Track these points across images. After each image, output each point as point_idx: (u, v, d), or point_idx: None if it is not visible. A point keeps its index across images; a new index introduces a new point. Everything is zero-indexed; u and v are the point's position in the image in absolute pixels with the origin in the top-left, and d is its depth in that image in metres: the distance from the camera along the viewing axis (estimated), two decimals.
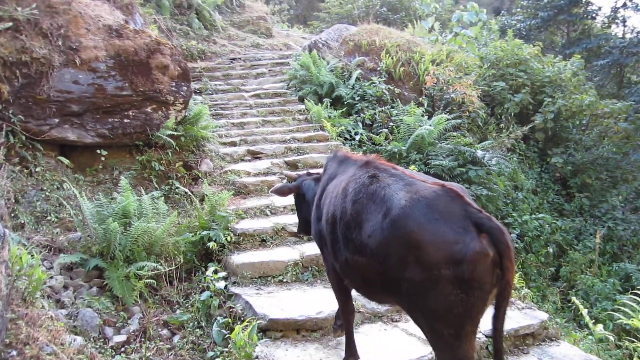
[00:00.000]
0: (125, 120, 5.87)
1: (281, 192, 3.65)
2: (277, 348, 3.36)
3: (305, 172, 3.99)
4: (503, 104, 10.55)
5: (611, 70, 18.98)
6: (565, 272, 7.51)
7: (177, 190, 5.74)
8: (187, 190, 5.57)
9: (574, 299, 4.28)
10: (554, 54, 14.65)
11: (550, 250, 7.77)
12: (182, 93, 6.40)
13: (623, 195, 10.53)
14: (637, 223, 9.70)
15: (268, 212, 5.29)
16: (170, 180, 5.90)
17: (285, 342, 3.46)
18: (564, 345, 3.63)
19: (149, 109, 6.06)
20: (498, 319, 2.12)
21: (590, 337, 4.05)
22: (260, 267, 4.25)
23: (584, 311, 3.81)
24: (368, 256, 2.34)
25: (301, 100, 9.03)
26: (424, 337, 3.42)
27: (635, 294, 3.69)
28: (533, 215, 8.16)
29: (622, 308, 3.71)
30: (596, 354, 3.73)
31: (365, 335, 3.55)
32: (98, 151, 5.64)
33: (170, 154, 6.08)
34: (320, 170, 3.43)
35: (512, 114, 10.41)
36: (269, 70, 10.75)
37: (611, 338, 3.81)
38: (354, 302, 3.22)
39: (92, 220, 4.20)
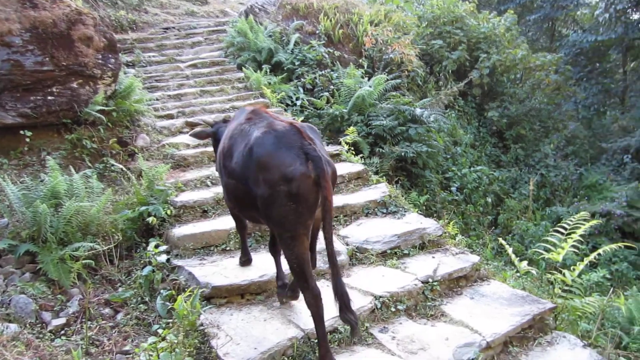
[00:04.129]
0: (50, 98, 5.54)
1: (199, 136, 3.97)
2: (221, 314, 3.40)
3: (222, 119, 4.09)
4: (441, 62, 10.76)
5: (543, 25, 19.66)
6: (503, 219, 7.95)
7: (112, 167, 5.53)
8: (122, 167, 5.39)
9: (500, 240, 4.55)
10: (489, 10, 14.96)
11: (489, 200, 8.18)
12: (110, 66, 6.08)
13: (555, 143, 11.14)
14: (567, 169, 10.35)
15: (209, 183, 5.22)
16: (104, 158, 5.67)
17: (230, 307, 3.50)
18: (494, 283, 3.88)
19: (74, 84, 5.73)
20: (325, 228, 2.68)
21: (518, 274, 4.36)
22: (203, 237, 4.23)
23: (509, 250, 4.07)
24: (236, 179, 2.95)
25: (240, 68, 8.82)
26: (364, 289, 3.61)
27: (557, 231, 3.97)
28: (472, 168, 8.52)
29: (547, 245, 3.99)
30: (522, 287, 4.02)
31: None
32: (22, 132, 5.31)
33: (102, 130, 5.82)
34: None
35: (450, 71, 10.65)
36: (206, 39, 10.38)
37: (534, 272, 4.10)
38: None
39: (19, 205, 4.01)
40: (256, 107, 3.35)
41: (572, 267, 3.65)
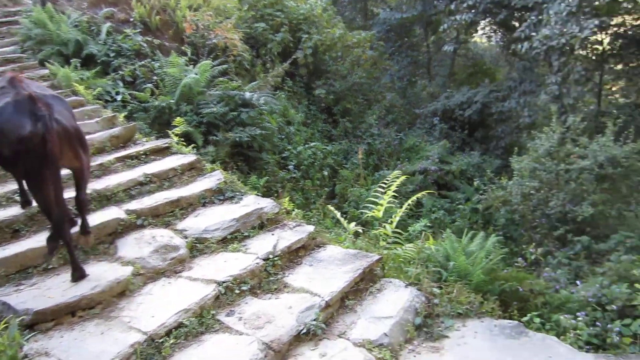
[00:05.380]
0: None
1: None
2: (50, 339, 3.07)
3: None
4: (266, 45, 10.98)
5: (357, 4, 21.27)
6: (339, 189, 8.57)
7: None
8: None
9: (329, 206, 4.92)
10: None
11: (325, 173, 8.72)
12: None
13: (376, 114, 12.29)
14: (390, 135, 11.55)
15: (17, 198, 4.59)
16: None
17: (60, 329, 3.18)
18: (330, 247, 4.20)
19: None
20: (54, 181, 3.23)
21: (353, 236, 4.78)
22: (17, 260, 3.72)
23: (338, 214, 4.44)
24: None
25: (42, 63, 7.81)
26: (207, 278, 3.60)
27: (377, 191, 4.44)
28: (306, 145, 8.97)
29: (371, 205, 4.43)
30: (358, 247, 4.39)
31: (151, 295, 3.50)
32: None
33: None
34: None
35: (276, 53, 10.94)
36: None
37: (360, 230, 4.55)
38: (133, 265, 3.61)
39: None
40: (14, 75, 3.57)
41: (389, 221, 4.13)
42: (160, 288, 3.59)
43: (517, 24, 14.42)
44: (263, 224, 4.44)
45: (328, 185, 8.58)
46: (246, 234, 4.27)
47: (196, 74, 7.76)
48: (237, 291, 3.50)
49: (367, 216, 4.59)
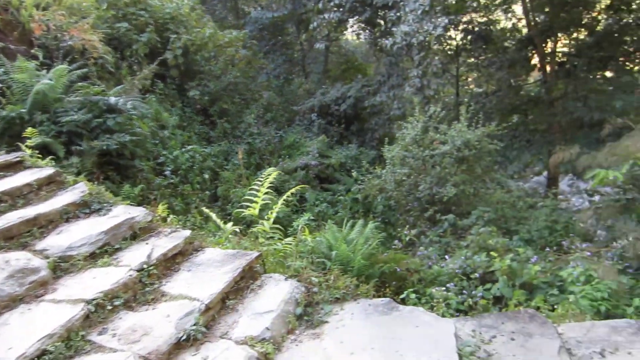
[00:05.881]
0: None
1: None
2: None
3: None
4: (131, 46, 10.37)
5: (227, 3, 21.03)
6: (222, 191, 8.46)
7: None
8: None
9: (204, 209, 4.88)
10: None
11: (206, 176, 8.55)
12: None
13: (255, 113, 12.32)
14: (269, 134, 11.67)
15: None
16: None
17: None
18: (209, 250, 4.15)
19: None
20: None
21: (230, 236, 4.77)
22: None
23: (213, 215, 4.41)
24: None
25: None
26: (74, 298, 3.35)
27: (252, 189, 4.48)
28: (183, 149, 8.68)
29: (247, 204, 4.46)
30: (234, 247, 4.38)
31: (7, 325, 3.15)
32: None
33: None
34: None
35: (143, 54, 10.39)
36: None
37: (237, 229, 4.57)
38: None
39: None
40: None
41: (266, 217, 4.21)
42: (18, 316, 3.26)
43: (382, 22, 15.45)
44: (136, 234, 4.23)
45: (210, 189, 8.41)
46: (117, 246, 4.04)
47: (50, 80, 7.07)
48: (109, 307, 3.30)
49: (244, 215, 4.61)
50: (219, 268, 3.77)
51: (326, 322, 3.43)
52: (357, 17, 16.22)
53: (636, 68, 13.64)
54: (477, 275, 5.70)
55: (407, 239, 7.86)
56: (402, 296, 5.03)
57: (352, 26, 19.26)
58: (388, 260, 6.02)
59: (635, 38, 13.11)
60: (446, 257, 6.63)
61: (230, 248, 4.23)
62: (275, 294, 3.60)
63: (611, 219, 7.28)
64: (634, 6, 13.12)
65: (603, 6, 13.85)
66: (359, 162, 11.56)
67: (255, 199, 4.33)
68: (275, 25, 19.01)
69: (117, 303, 3.35)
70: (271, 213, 4.26)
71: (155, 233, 4.27)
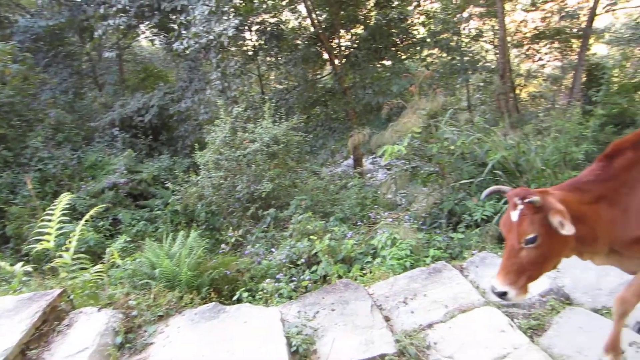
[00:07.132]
0: None
1: None
2: None
3: None
4: None
5: None
6: (12, 230, 7.24)
7: None
8: None
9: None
10: None
11: None
12: None
13: (42, 135, 10.79)
14: (64, 156, 10.37)
15: None
16: None
17: None
18: None
19: None
20: None
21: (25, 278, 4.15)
22: None
23: (10, 268, 3.79)
24: None
25: None
26: None
27: (44, 220, 3.95)
28: None
29: (39, 237, 3.91)
30: (25, 291, 3.83)
31: None
32: None
33: None
34: None
35: None
36: None
37: (29, 269, 4.01)
38: None
39: None
40: None
41: (65, 247, 3.77)
42: None
43: (175, 26, 14.97)
44: None
45: None
46: None
47: None
48: None
49: (40, 251, 4.04)
50: (13, 317, 3.25)
51: (151, 343, 3.25)
52: (147, 22, 15.43)
53: (404, 56, 16.01)
54: (303, 260, 6.03)
55: (234, 240, 7.87)
56: (235, 297, 5.04)
57: (144, 32, 18.26)
58: (217, 265, 5.96)
59: (399, 31, 15.36)
60: (273, 250, 6.83)
61: (27, 292, 3.68)
62: (88, 329, 3.26)
63: (405, 186, 8.46)
64: (395, 3, 15.37)
65: (372, 4, 15.88)
66: (173, 173, 11.09)
67: (47, 229, 3.82)
68: (53, 34, 16.83)
69: None
70: (69, 242, 3.82)
71: None
